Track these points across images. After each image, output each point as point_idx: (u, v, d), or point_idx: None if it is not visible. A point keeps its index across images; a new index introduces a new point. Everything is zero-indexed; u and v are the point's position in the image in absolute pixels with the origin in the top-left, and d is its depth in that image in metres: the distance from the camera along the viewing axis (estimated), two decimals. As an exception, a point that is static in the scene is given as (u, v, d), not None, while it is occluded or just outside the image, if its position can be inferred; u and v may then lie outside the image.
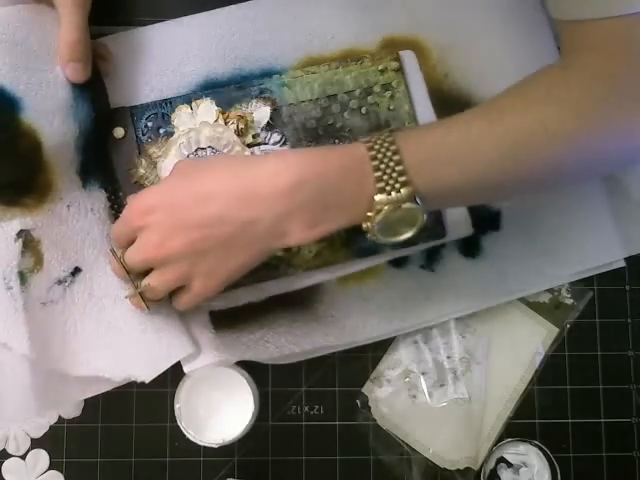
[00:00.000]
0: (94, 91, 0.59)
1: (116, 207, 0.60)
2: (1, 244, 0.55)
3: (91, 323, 0.57)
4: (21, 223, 0.55)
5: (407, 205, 0.49)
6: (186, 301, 0.55)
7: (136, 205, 0.53)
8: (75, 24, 0.56)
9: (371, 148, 0.49)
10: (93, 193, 0.59)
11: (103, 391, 0.58)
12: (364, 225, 0.51)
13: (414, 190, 0.49)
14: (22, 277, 0.55)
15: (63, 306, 0.57)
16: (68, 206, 0.58)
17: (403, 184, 0.48)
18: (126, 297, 0.56)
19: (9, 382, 0.54)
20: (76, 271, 0.57)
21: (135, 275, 0.54)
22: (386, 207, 0.49)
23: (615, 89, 0.51)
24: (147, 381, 0.55)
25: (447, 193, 0.51)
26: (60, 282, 0.57)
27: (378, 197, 0.49)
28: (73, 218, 0.58)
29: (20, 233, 0.55)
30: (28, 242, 0.55)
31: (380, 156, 0.49)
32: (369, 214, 0.50)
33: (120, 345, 0.57)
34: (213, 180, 0.51)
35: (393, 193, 0.48)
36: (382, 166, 0.49)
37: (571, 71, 0.52)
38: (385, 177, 0.48)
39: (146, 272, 0.54)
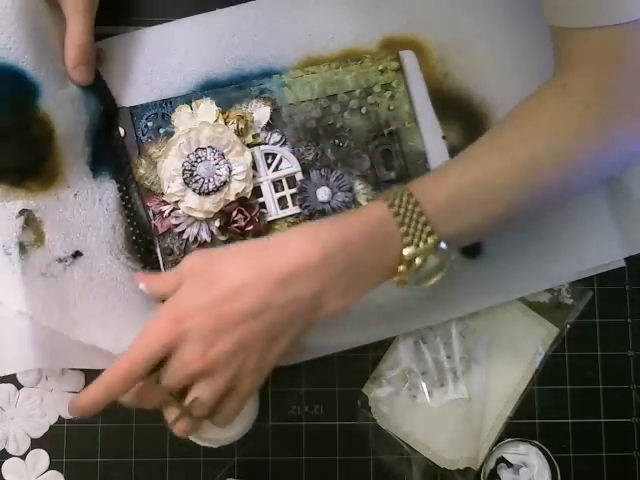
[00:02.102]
0: (99, 89, 0.61)
1: (127, 198, 0.60)
2: (3, 220, 0.56)
3: (90, 302, 0.57)
4: (24, 204, 0.56)
5: (434, 252, 0.50)
6: (233, 408, 0.50)
7: (164, 317, 0.48)
8: (83, 28, 0.57)
9: (392, 205, 0.50)
10: (104, 183, 0.60)
11: (103, 367, 0.53)
12: (396, 279, 0.51)
13: (439, 237, 0.50)
14: (22, 247, 0.56)
15: (63, 281, 0.57)
16: (75, 194, 0.58)
17: (429, 234, 0.49)
18: (170, 423, 0.51)
19: (9, 330, 0.54)
20: (77, 254, 0.58)
21: (174, 397, 0.49)
22: (417, 259, 0.50)
23: (613, 103, 0.51)
24: None
25: (469, 232, 0.52)
26: (60, 260, 0.57)
27: (407, 251, 0.49)
28: (79, 206, 0.59)
29: (22, 212, 0.56)
30: (30, 220, 0.56)
31: (402, 211, 0.49)
32: (400, 268, 0.50)
33: (120, 324, 0.57)
34: (240, 271, 0.48)
35: (421, 244, 0.49)
36: (406, 220, 0.49)
37: (571, 89, 0.52)
38: (411, 230, 0.49)
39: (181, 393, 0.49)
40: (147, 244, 0.60)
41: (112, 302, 0.57)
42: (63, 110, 0.57)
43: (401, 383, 0.63)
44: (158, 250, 0.61)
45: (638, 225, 0.64)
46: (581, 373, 0.63)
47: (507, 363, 0.63)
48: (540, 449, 0.61)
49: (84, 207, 0.59)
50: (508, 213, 0.52)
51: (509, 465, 0.62)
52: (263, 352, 0.49)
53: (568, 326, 0.64)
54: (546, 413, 0.63)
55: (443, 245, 0.50)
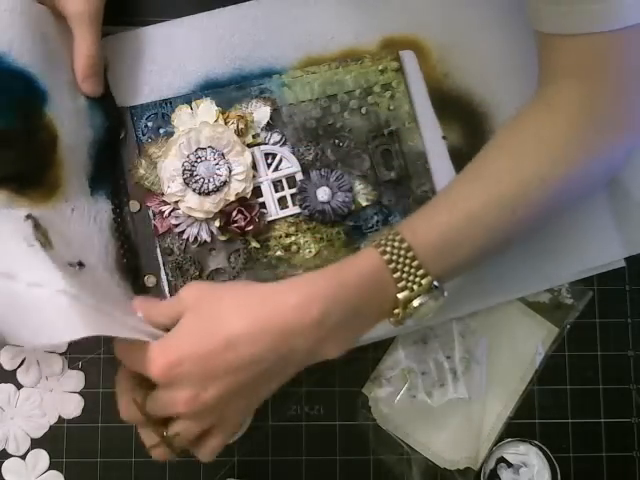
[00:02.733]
0: (106, 101, 0.60)
1: (119, 220, 0.60)
2: (12, 223, 0.54)
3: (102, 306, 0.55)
4: (29, 211, 0.55)
5: (428, 291, 0.51)
6: (217, 444, 0.51)
7: (160, 359, 0.48)
8: (92, 40, 0.57)
9: (384, 252, 0.50)
10: (99, 202, 0.59)
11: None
12: (391, 320, 0.52)
13: (433, 277, 0.51)
14: (41, 243, 0.54)
15: (78, 281, 0.54)
16: (72, 209, 0.57)
17: (422, 276, 0.50)
18: (148, 446, 0.52)
19: (49, 306, 0.50)
20: (81, 264, 0.57)
21: (154, 422, 0.50)
22: (413, 302, 0.51)
23: (597, 118, 0.52)
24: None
25: (460, 267, 0.53)
26: (71, 265, 0.56)
27: (402, 295, 0.50)
28: (76, 222, 0.57)
29: (28, 216, 0.55)
30: (38, 226, 0.55)
31: (395, 257, 0.50)
32: (396, 311, 0.51)
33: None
34: (239, 321, 0.48)
35: (415, 287, 0.50)
36: (399, 266, 0.50)
37: (555, 107, 0.53)
38: (404, 275, 0.50)
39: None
40: (136, 271, 0.59)
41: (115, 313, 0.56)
42: (69, 120, 0.57)
43: (401, 383, 0.63)
44: (158, 250, 0.61)
45: (638, 225, 0.64)
46: (581, 373, 0.63)
47: (507, 363, 0.63)
48: (540, 449, 0.61)
49: (80, 223, 0.57)
50: (497, 244, 0.53)
51: (509, 465, 0.62)
52: (251, 396, 0.50)
53: (568, 326, 0.64)
54: (546, 413, 0.63)
55: (436, 284, 0.51)
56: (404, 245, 0.50)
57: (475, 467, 0.62)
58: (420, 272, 0.50)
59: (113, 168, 0.60)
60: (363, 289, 0.50)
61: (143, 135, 0.61)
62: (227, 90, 0.62)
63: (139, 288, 0.59)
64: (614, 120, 0.52)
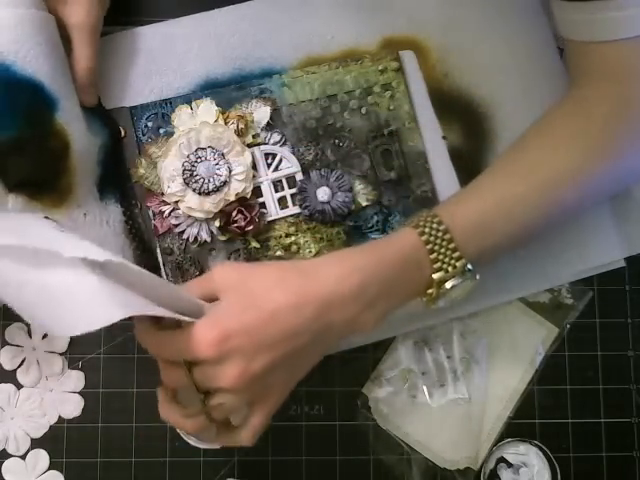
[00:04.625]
0: (102, 112, 0.61)
1: (131, 222, 0.60)
2: (33, 219, 0.53)
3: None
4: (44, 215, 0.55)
5: (462, 274, 0.52)
6: (260, 423, 0.51)
7: (209, 337, 0.48)
8: (91, 51, 0.58)
9: (422, 233, 0.51)
10: (109, 207, 0.60)
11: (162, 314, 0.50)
12: (425, 300, 0.53)
13: (467, 260, 0.52)
14: None
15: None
16: (85, 214, 0.58)
17: (457, 259, 0.52)
18: (186, 415, 0.51)
19: (76, 293, 0.48)
20: None
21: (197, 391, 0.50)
22: (447, 283, 0.52)
23: (629, 117, 0.53)
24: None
25: (493, 253, 0.54)
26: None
27: (437, 275, 0.52)
28: (89, 226, 0.58)
29: (46, 217, 0.55)
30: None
31: (432, 239, 0.51)
32: (430, 291, 0.53)
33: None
34: (281, 294, 0.49)
35: (450, 269, 0.52)
36: (436, 247, 0.51)
37: (592, 102, 0.54)
38: (440, 257, 0.51)
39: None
40: (153, 270, 0.60)
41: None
42: (78, 126, 0.57)
43: (401, 383, 0.63)
44: (158, 250, 0.61)
45: (638, 225, 0.64)
46: (581, 373, 0.63)
47: (507, 363, 0.63)
48: (540, 449, 0.61)
49: (93, 227, 0.58)
50: (529, 232, 0.55)
51: (509, 465, 0.62)
52: (294, 369, 0.51)
53: (568, 326, 0.64)
54: (546, 413, 0.63)
55: (470, 267, 0.52)
56: (442, 227, 0.51)
57: (475, 467, 0.62)
58: (456, 254, 0.51)
59: (119, 173, 0.60)
60: (400, 266, 0.51)
61: (143, 135, 0.61)
62: (227, 90, 0.62)
63: None
64: None
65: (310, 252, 0.61)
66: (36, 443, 0.61)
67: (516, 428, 0.62)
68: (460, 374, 0.62)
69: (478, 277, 0.53)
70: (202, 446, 0.58)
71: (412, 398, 0.62)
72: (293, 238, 0.61)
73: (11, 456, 0.61)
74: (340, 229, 0.61)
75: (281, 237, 0.61)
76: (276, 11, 0.63)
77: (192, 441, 0.57)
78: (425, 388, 0.62)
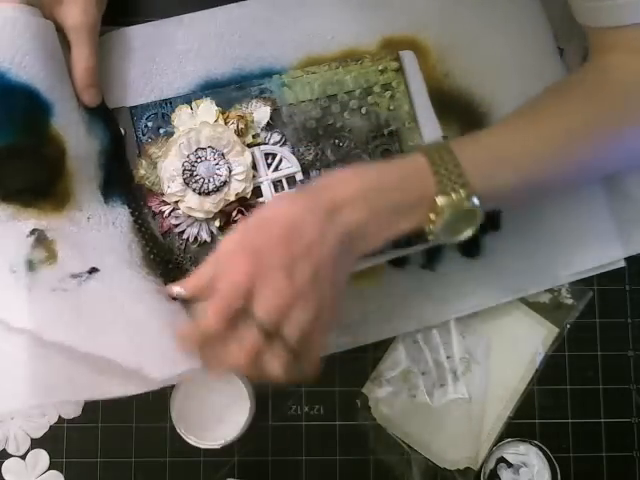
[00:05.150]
0: (103, 111, 0.61)
1: (140, 222, 0.60)
2: (13, 239, 0.55)
3: (108, 313, 0.55)
4: (35, 224, 0.55)
5: (466, 205, 0.51)
6: (323, 340, 0.51)
7: (241, 251, 0.49)
8: (89, 52, 0.58)
9: (427, 153, 0.51)
10: (116, 209, 0.59)
11: (105, 397, 0.54)
12: (426, 227, 0.52)
13: (472, 190, 0.51)
14: (30, 265, 0.54)
15: (75, 295, 0.55)
16: (88, 218, 0.58)
17: (462, 185, 0.51)
18: (266, 362, 0.50)
19: (6, 370, 0.52)
20: (93, 270, 0.57)
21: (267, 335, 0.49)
22: (447, 208, 0.51)
23: None
24: (159, 380, 0.55)
25: (501, 192, 0.53)
26: (74, 276, 0.56)
27: (439, 199, 0.51)
28: (93, 229, 0.58)
29: (33, 231, 0.55)
30: (41, 240, 0.55)
31: (439, 161, 0.51)
32: (431, 216, 0.51)
33: (135, 337, 0.55)
34: (291, 207, 0.50)
35: (453, 194, 0.51)
36: (441, 169, 0.51)
37: (612, 71, 0.55)
38: (444, 179, 0.51)
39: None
40: (166, 263, 0.60)
41: (137, 310, 0.56)
42: (76, 131, 0.57)
43: (401, 383, 0.63)
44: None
45: (638, 225, 0.64)
46: (581, 373, 0.63)
47: (507, 363, 0.63)
48: (540, 449, 0.61)
49: (98, 229, 0.58)
50: (542, 180, 0.54)
51: (509, 465, 0.62)
52: (333, 279, 0.50)
53: (568, 326, 0.64)
54: (546, 413, 0.63)
55: (476, 200, 0.51)
56: (449, 152, 0.51)
57: (475, 467, 0.62)
58: (461, 180, 0.51)
59: (123, 174, 0.60)
60: (404, 182, 0.51)
61: (143, 135, 0.61)
62: (227, 90, 0.62)
63: (173, 278, 0.58)
64: None
65: (310, 252, 0.61)
66: (36, 443, 0.61)
67: (516, 428, 0.62)
68: (460, 374, 0.62)
69: (482, 214, 0.52)
70: (202, 446, 0.58)
71: (412, 398, 0.62)
72: (293, 238, 0.61)
73: (11, 456, 0.61)
74: (340, 229, 0.61)
75: (281, 237, 0.61)
76: (276, 11, 0.63)
77: (192, 441, 0.58)
78: (425, 388, 0.62)
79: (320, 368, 0.51)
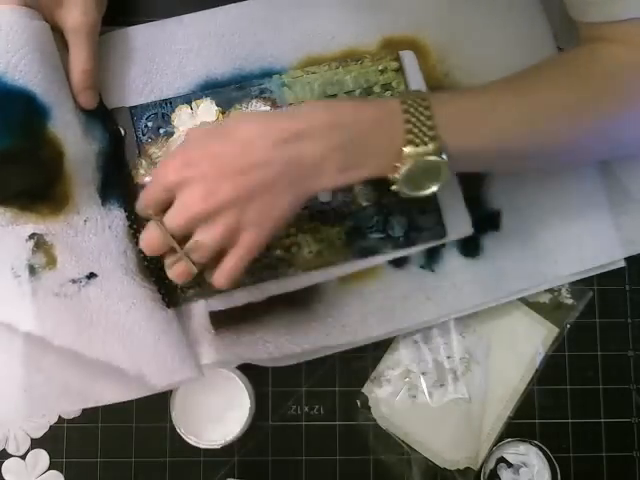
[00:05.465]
0: (103, 114, 0.61)
1: (135, 227, 0.60)
2: (12, 243, 0.55)
3: (107, 319, 0.56)
4: (34, 228, 0.56)
5: (433, 158, 0.50)
6: (233, 265, 0.51)
7: (172, 161, 0.51)
8: (88, 54, 0.58)
9: (404, 102, 0.51)
10: (112, 211, 0.59)
11: (101, 404, 0.57)
12: (390, 176, 0.52)
13: (441, 145, 0.50)
14: (32, 269, 0.55)
15: (77, 301, 0.56)
16: (85, 221, 0.57)
17: (431, 138, 0.50)
18: (168, 266, 0.53)
19: (2, 381, 0.54)
20: (91, 275, 0.57)
21: (176, 240, 0.51)
22: (413, 159, 0.50)
23: (637, 79, 0.53)
24: (159, 387, 0.55)
25: (472, 154, 0.53)
26: (74, 281, 0.56)
27: (407, 149, 0.50)
28: (89, 232, 0.57)
29: (32, 235, 0.55)
30: (41, 244, 0.55)
31: (412, 110, 0.51)
32: (396, 165, 0.51)
33: (135, 344, 0.56)
34: (252, 126, 0.50)
35: (421, 146, 0.50)
36: (413, 119, 0.50)
37: (598, 56, 0.54)
38: (415, 130, 0.50)
39: (183, 240, 0.51)
40: (159, 270, 0.59)
41: (132, 318, 0.56)
42: (73, 134, 0.57)
43: (401, 383, 0.63)
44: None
45: (638, 225, 0.64)
46: (581, 373, 0.63)
47: (507, 363, 0.63)
48: (540, 449, 0.61)
49: (94, 233, 0.58)
50: (511, 146, 0.53)
51: (509, 465, 0.62)
52: (265, 205, 0.50)
53: (568, 326, 0.64)
54: (546, 413, 0.63)
55: (444, 156, 0.51)
56: (425, 103, 0.51)
57: (475, 467, 0.62)
58: (431, 133, 0.50)
59: (122, 177, 0.60)
60: (373, 124, 0.51)
61: (143, 135, 0.61)
62: (227, 90, 0.62)
63: (166, 286, 0.59)
64: None
65: (310, 252, 0.61)
66: (36, 443, 0.61)
67: (516, 428, 0.62)
68: (460, 374, 0.62)
69: (448, 172, 0.52)
70: (202, 446, 0.58)
71: (412, 398, 0.62)
72: (293, 238, 0.61)
73: (11, 456, 0.61)
74: (340, 229, 0.61)
75: (281, 237, 0.61)
76: (276, 11, 0.63)
77: (192, 441, 0.58)
78: (425, 388, 0.62)
79: (230, 282, 0.52)
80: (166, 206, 0.51)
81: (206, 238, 0.50)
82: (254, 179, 0.49)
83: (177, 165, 0.50)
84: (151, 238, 0.52)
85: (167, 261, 0.53)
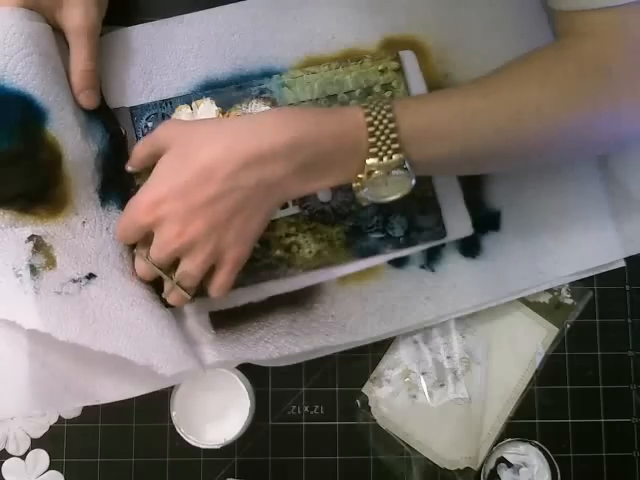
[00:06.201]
0: (103, 113, 0.60)
1: None
2: (12, 244, 0.55)
3: (110, 315, 0.56)
4: (33, 230, 0.55)
5: (397, 171, 0.51)
6: (223, 280, 0.54)
7: (143, 201, 0.52)
8: (89, 54, 0.58)
9: (368, 114, 0.51)
10: (110, 213, 0.59)
11: (104, 401, 0.57)
12: (354, 185, 0.53)
13: (405, 157, 0.51)
14: (33, 269, 0.55)
15: (79, 299, 0.56)
16: (83, 222, 0.57)
17: (395, 151, 0.51)
18: (164, 296, 0.56)
19: (6, 375, 0.54)
20: (91, 276, 0.57)
21: (165, 271, 0.55)
22: (377, 171, 0.51)
23: (609, 76, 0.52)
24: (168, 375, 0.55)
25: (436, 163, 0.53)
26: (75, 281, 0.56)
27: (370, 161, 0.51)
28: (88, 234, 0.57)
29: (31, 237, 0.55)
30: (40, 245, 0.55)
31: (376, 123, 0.51)
32: (360, 176, 0.52)
33: (140, 335, 0.56)
34: (213, 152, 0.51)
35: (385, 159, 0.51)
36: (377, 132, 0.51)
37: (567, 54, 0.53)
38: (379, 143, 0.51)
39: (174, 265, 0.54)
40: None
41: (134, 314, 0.56)
42: (72, 136, 0.57)
43: (401, 383, 0.63)
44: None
45: (638, 225, 0.64)
46: (581, 373, 0.63)
47: (507, 363, 0.63)
48: (540, 449, 0.61)
49: (92, 235, 0.58)
50: (479, 153, 0.53)
51: (509, 465, 0.62)
52: (238, 228, 0.52)
53: (568, 326, 0.64)
54: (546, 413, 0.63)
55: (407, 166, 0.51)
56: (389, 115, 0.51)
57: (475, 467, 0.62)
58: (395, 146, 0.51)
59: (121, 177, 0.60)
60: (336, 139, 0.51)
61: (143, 135, 0.61)
62: (227, 90, 0.62)
63: (160, 289, 0.58)
64: (627, 83, 0.52)
65: (310, 252, 0.61)
66: (36, 443, 0.61)
67: (516, 428, 0.62)
68: (460, 374, 0.62)
69: (414, 182, 0.52)
70: (202, 446, 0.58)
71: (412, 398, 0.62)
72: (293, 238, 0.61)
73: (11, 456, 0.61)
74: (340, 229, 0.61)
75: (281, 237, 0.61)
76: (276, 11, 0.63)
77: (192, 441, 0.58)
78: (425, 388, 0.62)
79: (225, 293, 0.55)
80: (146, 237, 0.54)
81: (191, 267, 0.53)
82: (223, 208, 0.51)
83: (149, 204, 0.52)
84: (140, 270, 0.56)
85: (165, 289, 0.56)
